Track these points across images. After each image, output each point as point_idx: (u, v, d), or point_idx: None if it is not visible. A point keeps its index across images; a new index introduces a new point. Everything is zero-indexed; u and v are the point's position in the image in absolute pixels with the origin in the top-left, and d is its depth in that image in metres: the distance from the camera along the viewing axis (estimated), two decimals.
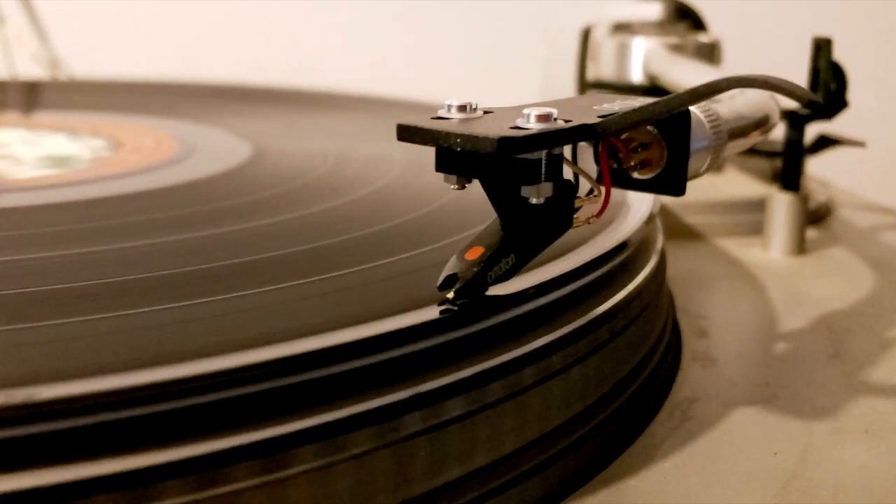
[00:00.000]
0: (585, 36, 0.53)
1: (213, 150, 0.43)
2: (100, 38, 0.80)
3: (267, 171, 0.38)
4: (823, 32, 0.43)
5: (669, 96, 0.20)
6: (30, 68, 0.73)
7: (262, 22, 0.82)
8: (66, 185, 0.36)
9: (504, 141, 0.19)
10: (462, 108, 0.21)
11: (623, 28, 0.53)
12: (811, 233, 0.45)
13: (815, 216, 0.47)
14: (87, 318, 0.21)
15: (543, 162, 0.21)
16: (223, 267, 0.25)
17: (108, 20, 0.81)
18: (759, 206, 0.44)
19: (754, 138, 0.30)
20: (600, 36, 0.52)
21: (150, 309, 0.21)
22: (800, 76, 0.42)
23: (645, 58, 0.50)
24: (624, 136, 0.24)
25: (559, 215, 0.22)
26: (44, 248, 0.27)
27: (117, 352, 0.19)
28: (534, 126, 0.20)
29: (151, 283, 0.23)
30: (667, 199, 0.45)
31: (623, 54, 0.51)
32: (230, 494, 0.17)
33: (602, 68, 0.52)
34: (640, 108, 0.20)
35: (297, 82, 0.68)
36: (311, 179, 0.37)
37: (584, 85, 0.53)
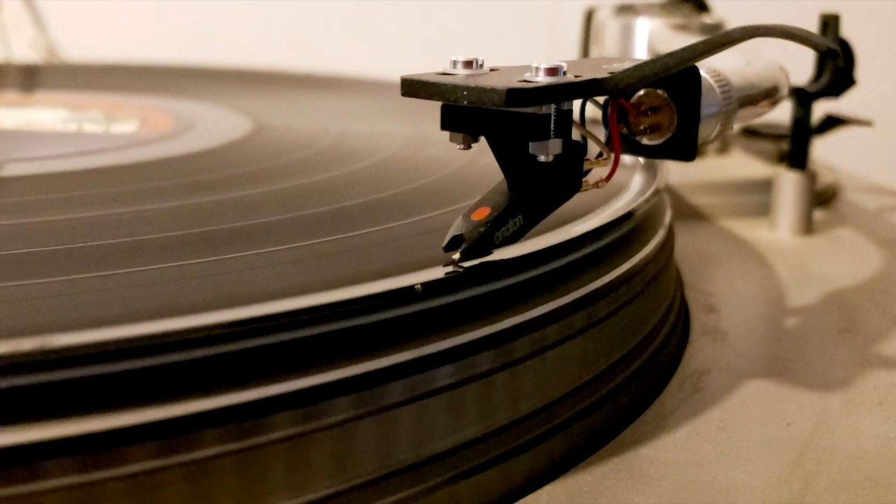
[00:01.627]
0: (589, 17, 0.53)
1: (214, 125, 0.42)
2: (96, 24, 0.79)
3: (267, 144, 0.38)
4: (831, 10, 0.43)
5: (684, 48, 0.19)
6: (27, 54, 0.72)
7: (261, 5, 0.82)
8: (64, 157, 0.36)
9: (512, 92, 0.18)
10: (468, 65, 0.21)
11: (627, 9, 0.52)
12: (818, 214, 0.44)
13: (821, 198, 0.47)
14: (93, 274, 0.20)
15: (553, 117, 0.20)
16: (219, 231, 0.24)
17: (104, 6, 0.80)
18: (765, 187, 0.43)
19: (763, 108, 0.29)
20: (604, 17, 0.52)
21: (150, 267, 0.21)
22: (806, 55, 0.42)
23: (650, 38, 0.49)
24: (633, 99, 0.24)
25: (568, 176, 0.22)
26: (64, 210, 0.27)
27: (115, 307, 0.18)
28: (542, 79, 0.19)
29: (157, 244, 0.23)
30: (674, 180, 0.44)
31: (627, 35, 0.50)
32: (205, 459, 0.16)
33: (606, 50, 0.51)
34: (651, 61, 0.20)
35: (297, 65, 0.67)
36: (312, 152, 0.36)
37: None
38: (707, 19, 0.51)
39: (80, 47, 0.75)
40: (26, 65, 0.67)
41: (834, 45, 0.17)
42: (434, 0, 0.81)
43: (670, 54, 0.20)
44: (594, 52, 0.53)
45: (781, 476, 0.22)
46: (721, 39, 0.18)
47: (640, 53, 0.49)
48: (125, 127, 0.42)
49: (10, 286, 0.20)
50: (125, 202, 0.28)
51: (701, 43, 0.19)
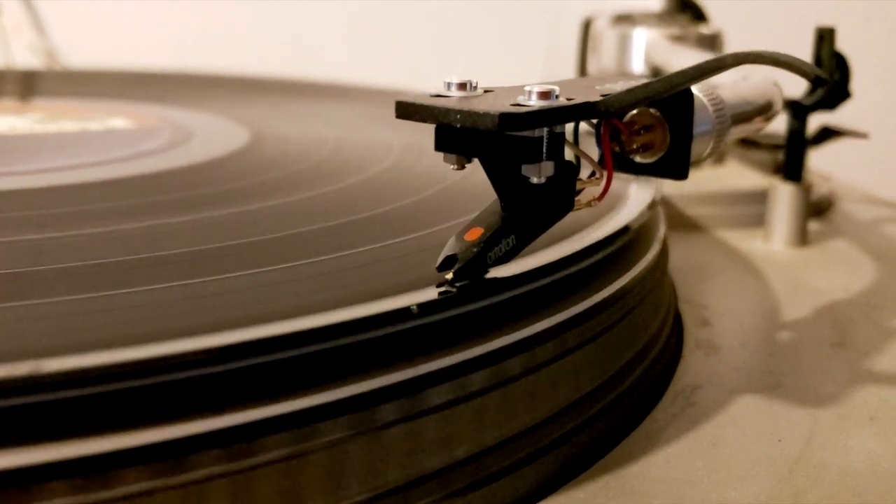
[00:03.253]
0: (586, 27, 0.53)
1: (212, 135, 0.42)
2: (96, 29, 0.80)
3: (265, 156, 0.38)
4: (825, 23, 0.43)
5: (675, 72, 0.20)
6: (26, 58, 0.72)
7: (260, 12, 0.82)
8: (62, 170, 0.36)
9: (505, 117, 0.19)
10: (462, 86, 0.21)
11: (624, 19, 0.52)
12: (813, 225, 0.45)
13: (817, 209, 0.47)
14: (72, 297, 0.20)
15: (545, 140, 0.20)
16: (212, 250, 0.25)
17: (104, 11, 0.80)
18: (760, 198, 0.44)
19: (757, 124, 0.30)
20: (601, 27, 0.52)
21: (142, 289, 0.21)
22: None
23: (647, 49, 0.49)
24: (626, 118, 0.24)
25: (560, 196, 0.22)
26: (41, 230, 0.27)
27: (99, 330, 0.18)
28: (535, 103, 0.20)
29: (147, 264, 0.23)
30: (669, 191, 0.44)
31: (624, 46, 0.50)
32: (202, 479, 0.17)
33: (603, 60, 0.52)
34: (643, 86, 0.20)
35: (296, 73, 0.68)
36: (310, 164, 0.36)
37: (585, 76, 0.52)
38: (705, 29, 0.52)
39: (79, 52, 0.75)
40: (23, 71, 0.67)
41: (823, 73, 0.17)
42: (434, 7, 0.82)
43: (661, 80, 0.20)
44: (591, 61, 0.53)
45: (771, 493, 0.22)
46: (712, 65, 0.19)
47: (637, 64, 0.50)
48: (122, 139, 0.42)
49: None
50: (115, 219, 0.28)
51: (692, 69, 0.19)
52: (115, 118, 0.47)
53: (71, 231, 0.26)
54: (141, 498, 0.16)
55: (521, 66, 0.74)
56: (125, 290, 0.21)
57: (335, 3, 0.82)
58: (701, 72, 0.19)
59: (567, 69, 0.55)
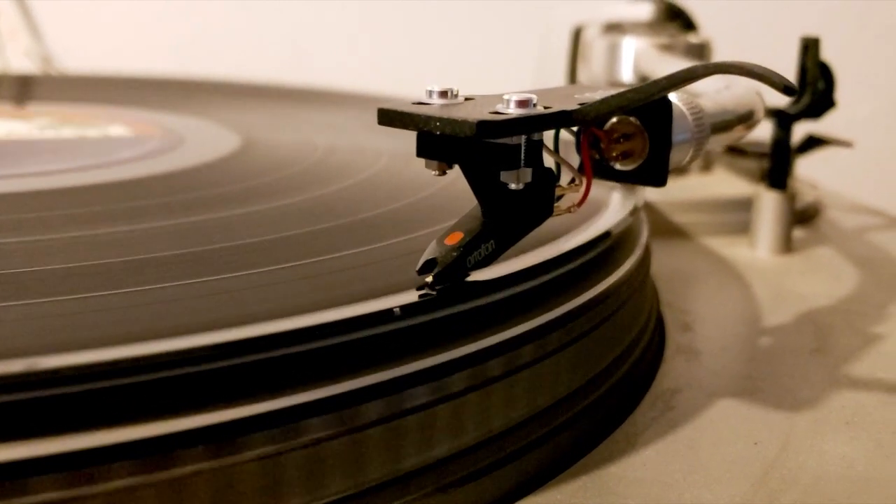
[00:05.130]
0: (576, 36, 0.53)
1: (202, 140, 0.43)
2: (92, 34, 0.80)
3: (254, 162, 0.38)
4: (814, 33, 0.44)
5: (648, 83, 0.20)
6: (22, 63, 0.73)
7: (253, 18, 0.83)
8: (56, 174, 0.36)
9: (483, 125, 0.19)
10: (443, 94, 0.21)
11: (614, 28, 0.53)
12: (799, 232, 0.45)
13: (803, 216, 0.48)
14: (56, 298, 0.21)
15: (523, 147, 0.21)
16: (202, 253, 0.25)
17: (100, 16, 0.81)
18: (746, 206, 0.44)
19: (738, 133, 0.30)
20: (591, 36, 0.53)
21: (134, 290, 0.21)
22: (789, 76, 0.43)
23: (635, 58, 0.50)
24: (606, 126, 0.25)
25: (539, 202, 0.22)
26: (33, 232, 0.27)
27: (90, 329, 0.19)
28: (513, 111, 0.20)
29: (130, 266, 0.24)
30: (655, 198, 0.45)
31: (613, 54, 0.51)
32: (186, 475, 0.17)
33: (593, 68, 0.52)
34: (619, 94, 0.20)
35: (288, 79, 0.68)
36: (298, 170, 0.37)
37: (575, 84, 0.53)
38: (693, 38, 0.52)
39: (75, 56, 0.75)
40: (19, 76, 0.67)
41: (791, 83, 0.17)
42: (427, 15, 0.82)
43: (634, 89, 0.20)
44: (582, 69, 0.54)
45: (745, 495, 0.22)
46: (684, 76, 0.19)
47: (626, 73, 0.50)
48: (113, 143, 0.43)
49: None
50: (107, 222, 0.28)
51: (664, 79, 0.20)
52: (111, 124, 0.47)
53: (57, 234, 0.27)
54: (124, 493, 0.17)
55: (513, 72, 0.74)
56: (112, 292, 0.21)
57: (327, 13, 0.82)
58: (672, 82, 0.20)
59: (558, 76, 0.56)
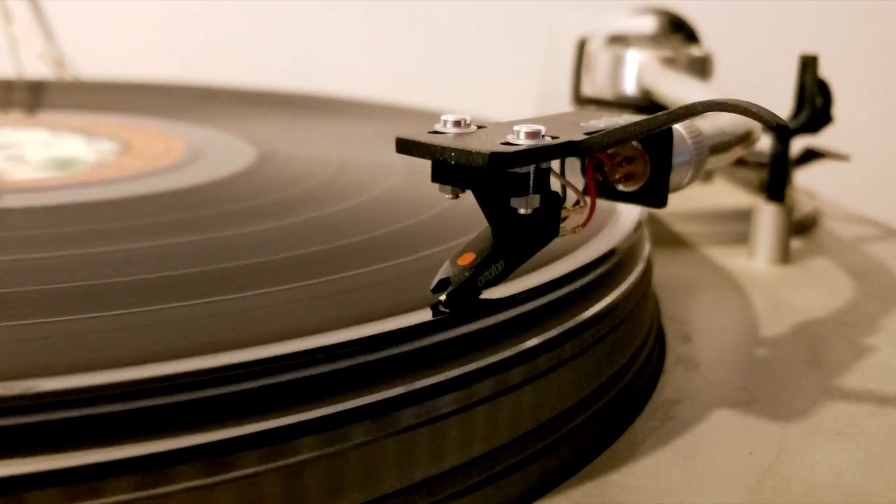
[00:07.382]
0: (581, 47, 0.55)
1: (219, 154, 0.44)
2: (106, 38, 0.81)
3: (269, 177, 0.39)
4: (813, 46, 0.45)
5: (650, 117, 0.22)
6: (36, 67, 0.74)
7: (267, 25, 0.84)
8: (62, 188, 0.37)
9: (495, 156, 0.20)
10: (457, 124, 0.23)
11: (618, 40, 0.54)
12: (797, 243, 0.46)
13: (801, 226, 0.49)
14: (64, 318, 0.22)
15: (532, 175, 0.22)
16: (217, 270, 0.26)
17: (114, 20, 0.82)
18: (746, 216, 0.45)
19: (736, 153, 0.31)
20: (596, 48, 0.54)
21: (136, 310, 0.22)
22: (789, 88, 0.44)
23: (638, 70, 0.51)
24: (609, 150, 0.26)
25: (546, 225, 0.24)
26: (40, 248, 0.28)
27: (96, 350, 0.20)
28: (523, 142, 0.21)
29: (146, 285, 0.25)
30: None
31: (617, 66, 0.52)
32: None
33: (597, 80, 0.54)
34: (622, 128, 0.22)
35: (303, 86, 0.69)
36: (311, 186, 0.38)
37: (580, 95, 0.54)
38: (696, 51, 0.53)
39: (89, 61, 0.77)
40: (33, 81, 0.69)
41: (783, 121, 0.19)
42: (436, 27, 0.84)
43: (636, 123, 0.22)
44: (586, 80, 0.55)
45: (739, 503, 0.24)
46: (682, 112, 0.21)
47: (630, 85, 0.51)
48: (127, 158, 0.44)
49: None
50: (116, 239, 0.29)
51: (665, 114, 0.21)
52: (124, 134, 0.48)
53: (72, 251, 0.27)
54: None
55: (520, 81, 0.76)
56: (139, 310, 0.22)
57: (339, 21, 0.84)
58: (672, 117, 0.21)
59: (563, 87, 0.57)
